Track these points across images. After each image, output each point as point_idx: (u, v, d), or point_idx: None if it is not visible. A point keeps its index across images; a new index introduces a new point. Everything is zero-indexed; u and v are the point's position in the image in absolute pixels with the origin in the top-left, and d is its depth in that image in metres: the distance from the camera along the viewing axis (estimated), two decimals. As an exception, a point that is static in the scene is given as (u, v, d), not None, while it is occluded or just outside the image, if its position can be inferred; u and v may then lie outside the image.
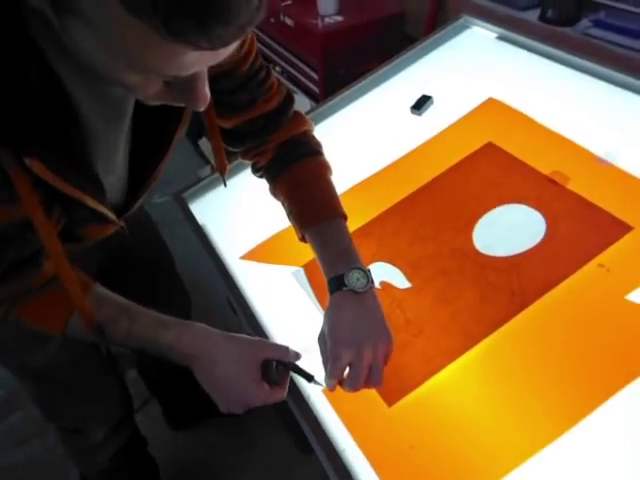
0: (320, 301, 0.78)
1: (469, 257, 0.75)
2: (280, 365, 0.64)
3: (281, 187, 0.72)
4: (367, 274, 0.65)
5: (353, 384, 0.61)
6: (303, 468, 1.23)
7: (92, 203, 0.52)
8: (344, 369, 0.62)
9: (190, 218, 0.97)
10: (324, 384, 0.63)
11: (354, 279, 0.64)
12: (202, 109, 0.44)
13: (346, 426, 0.65)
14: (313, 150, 0.73)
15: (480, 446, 0.59)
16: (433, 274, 0.75)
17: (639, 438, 0.55)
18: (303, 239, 0.73)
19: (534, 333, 0.65)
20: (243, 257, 0.88)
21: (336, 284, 0.65)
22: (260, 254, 0.88)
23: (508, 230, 0.76)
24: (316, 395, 0.68)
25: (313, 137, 0.74)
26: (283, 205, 0.74)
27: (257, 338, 0.66)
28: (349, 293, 0.64)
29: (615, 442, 0.55)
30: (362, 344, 0.61)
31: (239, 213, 0.97)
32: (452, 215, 0.81)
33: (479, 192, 0.82)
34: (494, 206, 0.79)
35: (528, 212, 0.77)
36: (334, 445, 0.63)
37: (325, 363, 0.64)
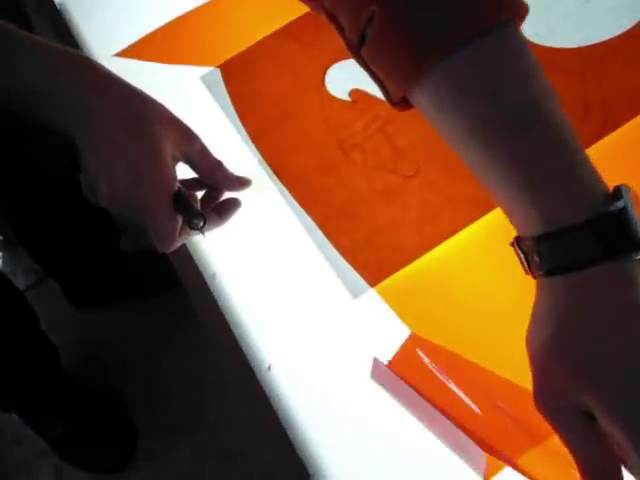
0: (243, 120, 0.45)
1: (509, 50, 0.43)
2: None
3: None
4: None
5: None
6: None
7: None
8: None
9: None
10: None
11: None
12: None
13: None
14: None
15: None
16: (444, 78, 0.43)
17: None
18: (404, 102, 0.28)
19: (622, 171, 0.36)
20: (120, 54, 0.52)
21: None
22: (149, 49, 0.52)
23: (581, 5, 0.43)
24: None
25: None
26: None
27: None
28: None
29: None
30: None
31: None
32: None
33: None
34: (556, -31, 0.46)
35: (618, -25, 0.44)
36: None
37: None
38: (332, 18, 0.28)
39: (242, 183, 0.39)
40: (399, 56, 0.26)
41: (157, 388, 1.04)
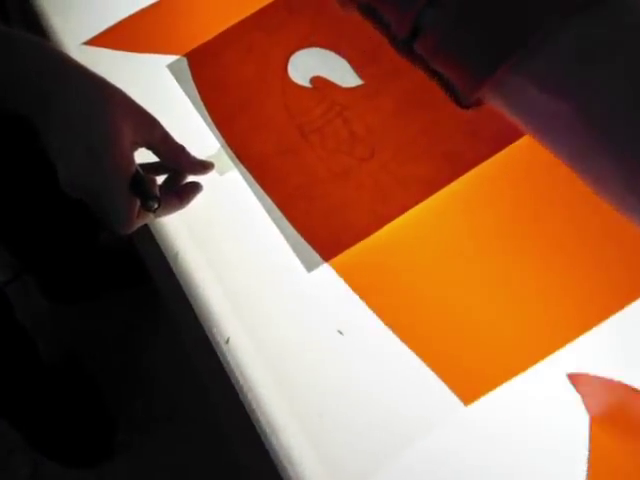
0: (208, 107, 0.47)
1: (461, 39, 0.45)
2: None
3: None
4: None
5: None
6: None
7: None
8: None
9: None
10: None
11: None
12: None
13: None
14: None
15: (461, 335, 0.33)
16: (399, 65, 0.44)
17: None
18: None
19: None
20: (88, 42, 0.54)
21: None
22: (117, 38, 0.53)
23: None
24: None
25: None
26: None
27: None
28: None
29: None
30: None
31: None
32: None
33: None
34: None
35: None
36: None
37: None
38: (369, 13, 0.23)
39: (204, 167, 0.41)
40: (489, 36, 0.18)
41: (135, 380, 1.04)
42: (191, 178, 0.42)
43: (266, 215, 0.40)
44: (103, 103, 0.35)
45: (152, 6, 0.54)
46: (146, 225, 0.42)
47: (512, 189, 0.38)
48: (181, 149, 0.39)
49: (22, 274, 1.12)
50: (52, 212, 0.91)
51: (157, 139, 0.38)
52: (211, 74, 0.49)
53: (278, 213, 0.40)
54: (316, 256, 0.37)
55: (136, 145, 0.37)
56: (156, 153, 0.39)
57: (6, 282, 1.13)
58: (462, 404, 0.31)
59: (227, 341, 0.37)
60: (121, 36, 0.53)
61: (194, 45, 0.51)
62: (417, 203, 0.38)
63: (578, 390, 0.30)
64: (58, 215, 0.92)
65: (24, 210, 0.88)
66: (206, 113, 0.47)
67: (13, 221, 0.91)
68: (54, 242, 0.95)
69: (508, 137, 0.39)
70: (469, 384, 0.32)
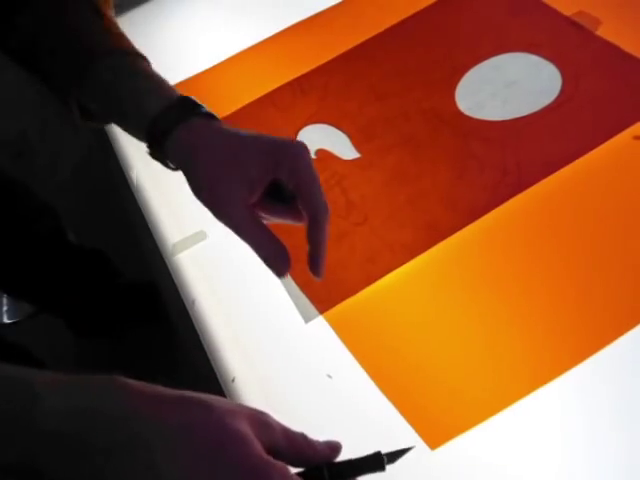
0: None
1: (447, 121, 0.51)
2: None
3: None
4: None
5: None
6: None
7: None
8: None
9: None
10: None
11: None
12: None
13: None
14: None
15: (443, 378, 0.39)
16: (392, 142, 0.51)
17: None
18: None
19: (531, 228, 0.44)
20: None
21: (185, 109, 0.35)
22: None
23: (507, 86, 0.52)
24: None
25: None
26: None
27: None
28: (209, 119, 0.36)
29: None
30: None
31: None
32: (429, 65, 0.56)
33: (471, 37, 0.57)
34: (490, 55, 0.55)
35: (538, 63, 0.53)
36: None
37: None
38: None
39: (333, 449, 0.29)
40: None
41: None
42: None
43: (269, 272, 0.46)
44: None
45: (184, 82, 0.63)
46: (169, 275, 0.49)
47: (483, 255, 0.44)
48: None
49: (38, 314, 1.18)
50: (64, 265, 0.98)
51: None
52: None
53: (282, 269, 0.46)
54: (313, 309, 0.43)
55: None
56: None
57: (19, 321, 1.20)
58: (429, 448, 0.36)
59: (233, 380, 0.43)
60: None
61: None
62: (401, 265, 0.44)
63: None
64: (71, 268, 0.99)
65: (35, 264, 0.93)
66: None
67: (24, 275, 0.96)
68: (71, 290, 1.02)
69: (482, 209, 0.45)
70: (436, 430, 0.37)
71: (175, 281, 0.50)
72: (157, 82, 0.38)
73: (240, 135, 0.35)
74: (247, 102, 0.58)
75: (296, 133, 0.55)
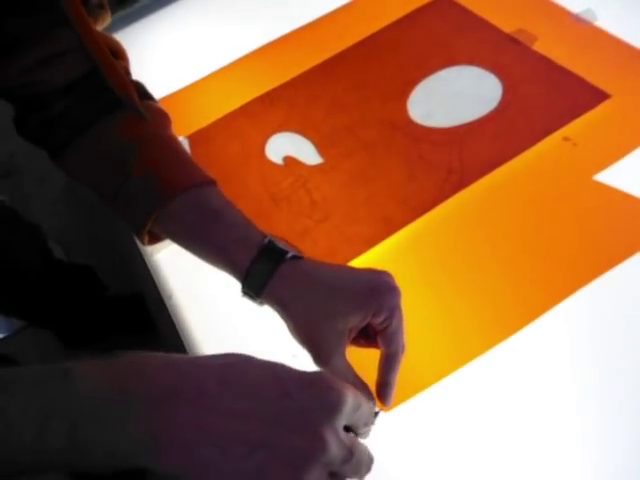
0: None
1: (400, 128, 0.57)
2: None
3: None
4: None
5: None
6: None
7: None
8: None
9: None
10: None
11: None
12: None
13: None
14: None
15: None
16: (352, 148, 0.57)
17: (597, 342, 0.40)
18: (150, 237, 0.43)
19: (472, 219, 0.49)
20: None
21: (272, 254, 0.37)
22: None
23: (453, 96, 0.58)
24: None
25: None
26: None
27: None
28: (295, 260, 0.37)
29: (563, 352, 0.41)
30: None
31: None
32: (384, 79, 0.62)
33: (421, 52, 0.63)
34: (438, 68, 0.61)
35: (481, 75, 0.59)
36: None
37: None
38: None
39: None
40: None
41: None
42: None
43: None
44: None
45: (168, 96, 0.68)
46: (147, 269, 0.53)
47: (433, 244, 0.49)
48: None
49: (26, 329, 1.20)
50: (51, 283, 1.00)
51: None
52: (205, 151, 0.62)
53: (251, 263, 0.51)
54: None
55: None
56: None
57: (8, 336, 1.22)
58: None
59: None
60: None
61: (195, 129, 0.64)
62: (359, 255, 0.49)
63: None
64: (59, 285, 1.02)
65: (22, 284, 0.96)
66: (200, 183, 0.59)
67: (11, 294, 0.98)
68: (59, 305, 1.05)
69: (430, 204, 0.51)
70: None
71: (155, 279, 0.54)
72: (239, 226, 0.40)
73: (334, 283, 0.35)
74: (223, 114, 0.64)
75: (265, 141, 0.60)
